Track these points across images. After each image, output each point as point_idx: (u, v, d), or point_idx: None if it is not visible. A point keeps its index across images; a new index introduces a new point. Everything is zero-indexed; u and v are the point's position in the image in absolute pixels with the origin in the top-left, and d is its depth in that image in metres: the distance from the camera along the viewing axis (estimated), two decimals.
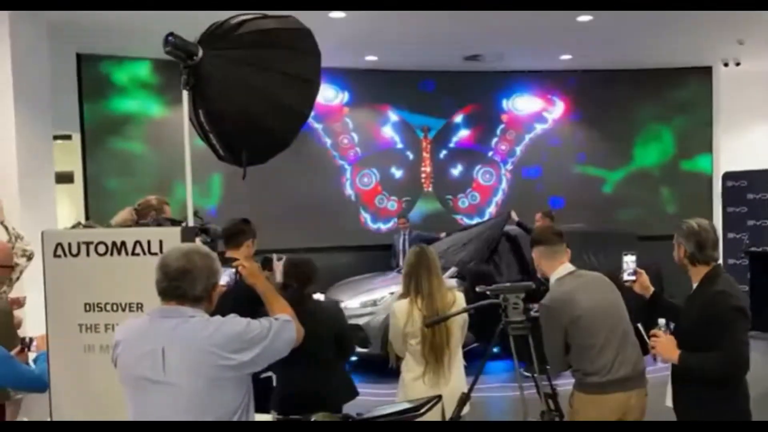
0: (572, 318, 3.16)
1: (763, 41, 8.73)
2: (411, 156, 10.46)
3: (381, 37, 8.56)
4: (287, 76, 3.37)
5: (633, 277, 3.27)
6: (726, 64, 9.88)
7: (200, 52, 3.25)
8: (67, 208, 9.40)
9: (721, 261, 3.12)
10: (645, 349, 3.30)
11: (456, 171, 10.57)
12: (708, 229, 2.99)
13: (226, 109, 3.32)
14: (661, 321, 3.05)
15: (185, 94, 3.26)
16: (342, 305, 7.63)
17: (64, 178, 8.91)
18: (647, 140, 10.71)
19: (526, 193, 10.37)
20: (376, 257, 9.58)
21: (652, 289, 3.30)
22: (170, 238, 2.77)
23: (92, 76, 8.82)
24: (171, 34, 3.15)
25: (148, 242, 2.78)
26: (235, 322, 2.18)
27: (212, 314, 2.24)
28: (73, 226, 6.07)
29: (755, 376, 3.00)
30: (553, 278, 3.34)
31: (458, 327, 3.60)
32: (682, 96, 10.60)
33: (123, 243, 2.79)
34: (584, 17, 7.81)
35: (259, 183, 8.73)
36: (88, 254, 2.82)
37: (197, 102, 3.33)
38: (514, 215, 8.18)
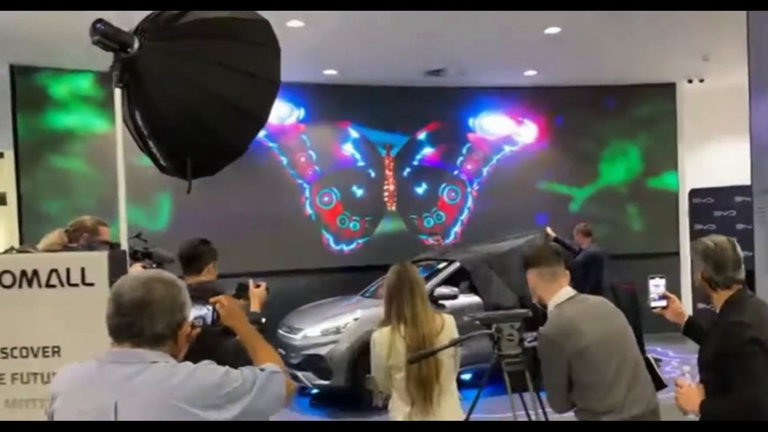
0: (577, 350, 2.72)
1: (726, 57, 8.65)
2: (373, 174, 10.02)
3: (341, 49, 8.17)
4: (240, 73, 2.90)
5: (663, 303, 2.83)
6: (690, 81, 9.80)
7: (136, 43, 2.76)
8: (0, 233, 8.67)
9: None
10: (658, 383, 2.91)
11: (420, 189, 10.17)
12: (726, 247, 2.62)
13: (167, 109, 2.83)
14: (686, 368, 2.63)
15: (118, 92, 2.76)
16: (302, 333, 7.18)
17: None
18: (613, 157, 10.53)
19: (493, 212, 10.03)
20: (339, 280, 9.07)
21: (686, 315, 2.86)
22: (94, 265, 2.25)
23: (27, 89, 8.16)
24: (100, 20, 2.66)
25: (67, 271, 2.25)
26: (209, 370, 1.72)
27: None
28: (5, 252, 5.41)
29: None
30: (551, 304, 2.90)
31: (449, 356, 3.11)
32: (647, 113, 10.48)
33: (35, 272, 2.25)
34: (552, 29, 7.56)
35: (211, 203, 8.17)
36: None
37: (133, 102, 2.83)
38: (550, 231, 7.84)
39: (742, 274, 2.63)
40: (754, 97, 5.94)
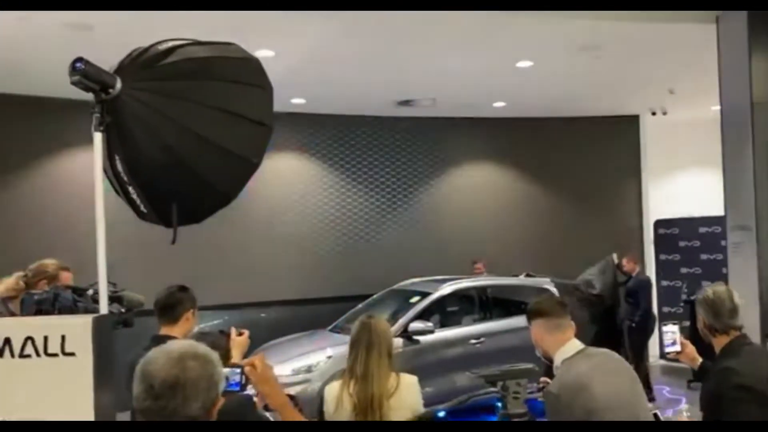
0: (588, 410, 2.57)
1: (689, 91, 8.85)
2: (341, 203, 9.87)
3: (310, 79, 8.03)
4: (230, 115, 2.73)
5: (677, 348, 3.03)
6: (653, 113, 9.98)
7: (118, 84, 2.56)
8: None
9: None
10: None
11: None
12: (723, 297, 2.84)
13: (151, 153, 2.63)
14: (683, 406, 2.73)
15: (98, 136, 2.55)
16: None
17: None
18: (578, 188, 10.60)
19: (459, 244, 9.99)
20: (311, 312, 8.84)
21: (699, 359, 3.01)
22: (76, 332, 2.02)
23: None
24: (80, 59, 2.46)
25: (45, 339, 2.01)
26: None
27: None
28: None
29: None
30: (558, 359, 2.76)
31: (399, 417, 2.90)
32: (611, 144, 10.62)
33: (7, 340, 2.01)
34: (524, 63, 7.58)
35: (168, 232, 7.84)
36: None
37: (114, 146, 2.62)
38: (615, 258, 8.00)
39: (738, 322, 2.83)
40: (726, 132, 6.03)
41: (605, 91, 9.08)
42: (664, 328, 3.05)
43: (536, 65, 7.63)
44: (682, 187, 10.44)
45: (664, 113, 9.87)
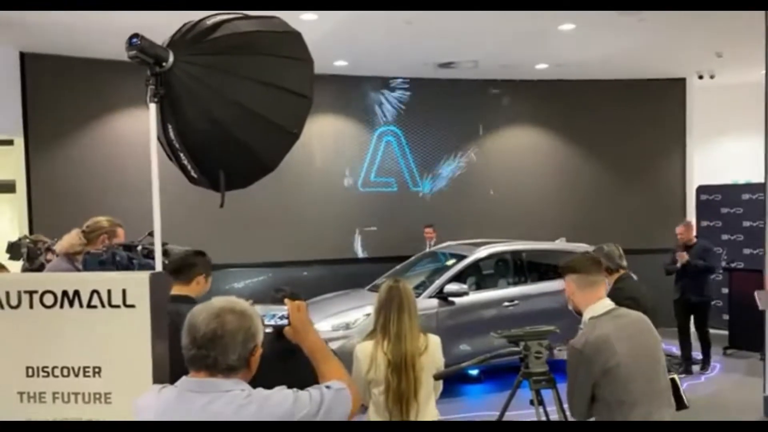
0: (606, 368, 2.70)
1: (738, 54, 8.63)
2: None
3: (352, 41, 8.12)
4: (272, 87, 2.89)
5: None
6: (701, 77, 9.76)
7: (171, 58, 2.75)
8: (8, 222, 8.65)
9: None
10: (680, 403, 2.93)
11: None
12: (614, 249, 4.52)
13: (199, 123, 2.83)
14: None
15: (152, 107, 2.75)
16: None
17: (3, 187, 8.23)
18: (622, 152, 10.50)
19: (498, 208, 10.06)
20: (346, 271, 9.11)
21: None
22: (135, 286, 2.26)
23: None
24: (136, 35, 2.65)
25: (108, 292, 2.26)
26: (281, 398, 1.78)
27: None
28: (19, 240, 5.38)
29: (735, 398, 3.52)
30: (587, 315, 2.87)
31: (429, 375, 3.15)
32: (655, 108, 10.44)
33: (76, 292, 2.26)
34: (567, 26, 7.51)
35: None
36: (31, 306, 2.28)
37: (166, 116, 2.82)
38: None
39: (624, 264, 4.49)
40: None
41: (650, 54, 8.91)
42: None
43: (579, 28, 7.56)
44: (729, 153, 10.25)
45: (712, 77, 9.64)
